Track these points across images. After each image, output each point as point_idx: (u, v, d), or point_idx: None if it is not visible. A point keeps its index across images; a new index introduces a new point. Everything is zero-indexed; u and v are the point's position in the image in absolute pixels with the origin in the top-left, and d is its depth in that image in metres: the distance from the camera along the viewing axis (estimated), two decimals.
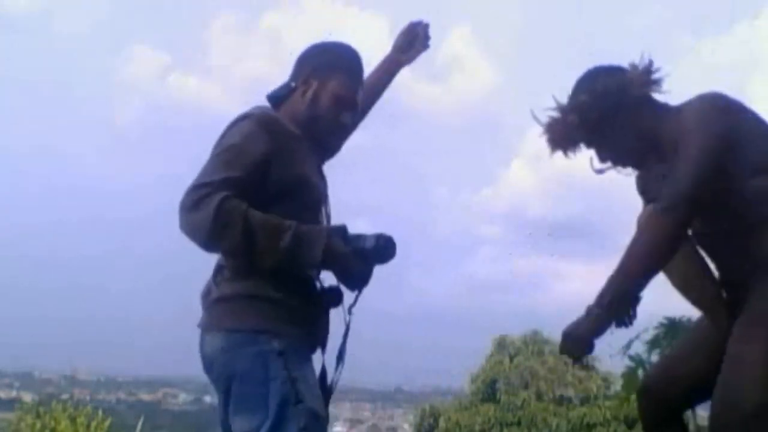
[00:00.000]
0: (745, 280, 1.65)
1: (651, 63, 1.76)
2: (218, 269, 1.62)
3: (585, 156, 1.85)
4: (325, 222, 1.71)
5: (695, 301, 1.80)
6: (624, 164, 1.82)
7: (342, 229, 1.57)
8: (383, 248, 1.56)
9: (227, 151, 1.55)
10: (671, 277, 1.79)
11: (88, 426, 12.50)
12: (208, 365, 1.58)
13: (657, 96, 1.78)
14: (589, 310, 1.63)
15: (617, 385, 14.18)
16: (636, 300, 1.70)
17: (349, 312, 1.63)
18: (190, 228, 1.47)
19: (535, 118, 1.84)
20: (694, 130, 1.63)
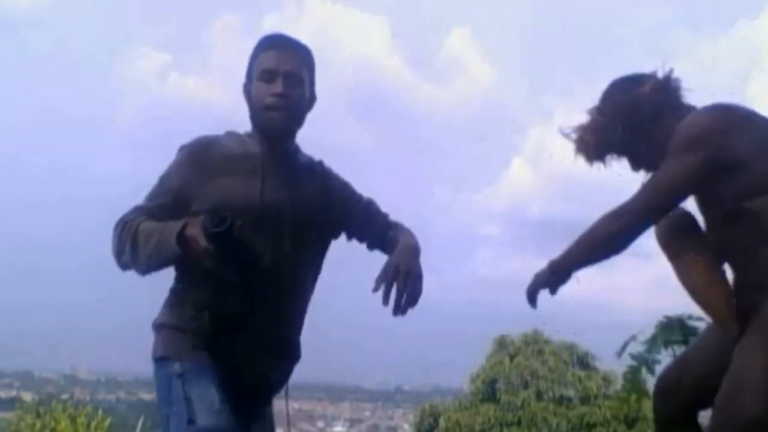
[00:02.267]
0: (751, 296, 1.64)
1: (671, 71, 1.79)
2: None
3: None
4: (287, 240, 1.66)
5: (707, 309, 1.78)
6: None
7: (207, 217, 1.46)
8: (215, 225, 1.44)
9: (155, 185, 1.70)
10: (688, 282, 1.77)
11: (88, 426, 12.50)
12: None
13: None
14: (542, 271, 1.82)
15: (617, 385, 14.16)
16: (568, 277, 1.82)
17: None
18: (115, 258, 1.62)
19: (564, 134, 1.90)
20: (679, 146, 1.66)
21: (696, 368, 1.82)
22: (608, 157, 1.88)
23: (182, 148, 1.71)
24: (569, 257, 1.79)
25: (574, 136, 1.88)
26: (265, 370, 1.67)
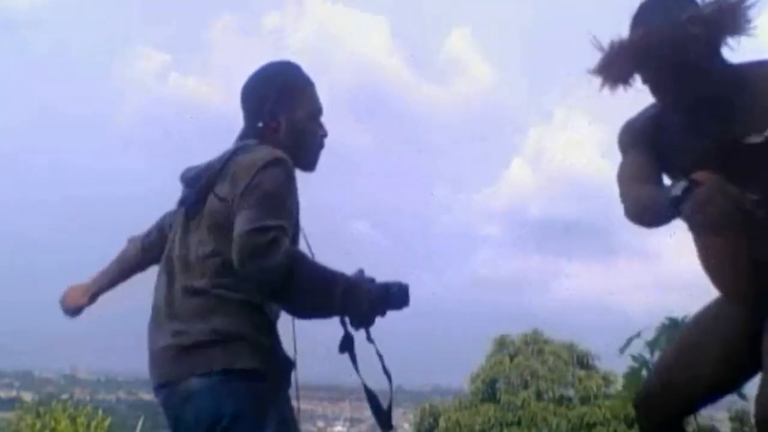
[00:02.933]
0: None
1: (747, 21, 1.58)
2: (190, 293, 1.57)
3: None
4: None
5: (726, 286, 1.65)
6: (665, 102, 1.67)
7: (371, 278, 1.57)
8: (398, 296, 1.57)
9: (269, 198, 1.51)
10: (711, 256, 1.61)
11: (88, 425, 12.51)
12: (182, 400, 1.51)
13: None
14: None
15: (617, 385, 14.19)
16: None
17: (370, 341, 1.62)
18: (264, 271, 1.43)
19: (594, 41, 1.66)
20: None
21: (682, 375, 1.78)
22: (631, 80, 1.65)
23: (279, 163, 1.57)
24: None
25: (607, 54, 1.64)
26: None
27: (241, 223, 1.45)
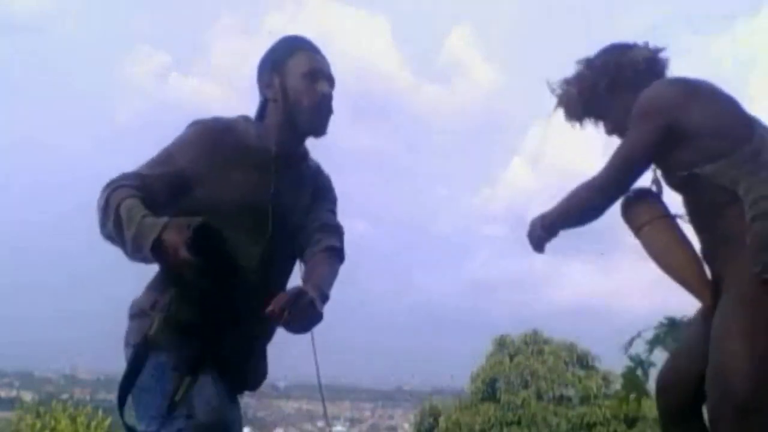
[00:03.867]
0: (720, 260, 1.69)
1: (659, 49, 1.86)
2: None
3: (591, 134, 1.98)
4: (284, 244, 1.66)
5: (676, 278, 1.81)
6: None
7: (191, 222, 1.40)
8: (199, 231, 1.38)
9: (159, 153, 1.59)
10: (654, 252, 1.82)
11: (88, 425, 12.51)
12: None
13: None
14: (534, 224, 1.88)
15: (617, 385, 14.16)
16: (554, 235, 1.89)
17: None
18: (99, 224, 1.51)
19: (551, 88, 1.95)
20: (638, 115, 1.73)
21: (690, 360, 1.82)
22: (586, 118, 1.93)
23: (196, 125, 1.63)
24: (552, 217, 1.86)
25: (558, 89, 1.92)
26: (249, 366, 1.68)
27: None
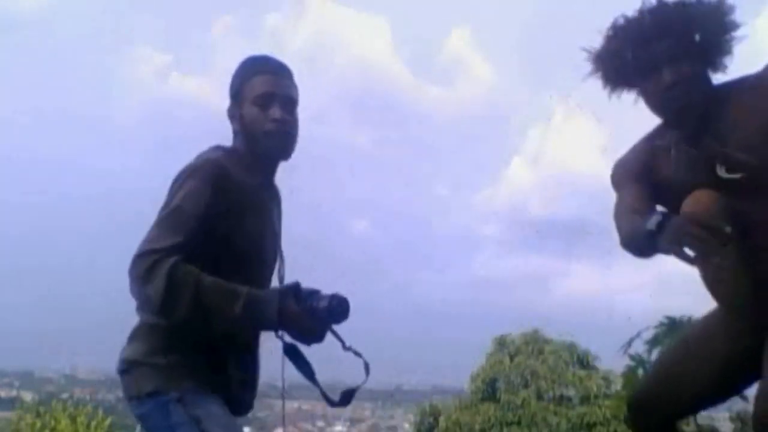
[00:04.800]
0: None
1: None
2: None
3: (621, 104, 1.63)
4: (276, 281, 1.71)
5: (723, 295, 1.64)
6: (687, 101, 1.56)
7: (294, 288, 1.55)
8: (336, 308, 1.54)
9: (173, 213, 1.52)
10: (707, 272, 1.61)
11: (89, 425, 12.51)
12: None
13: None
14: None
15: (617, 385, 14.16)
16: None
17: (347, 349, 1.63)
18: (144, 300, 1.48)
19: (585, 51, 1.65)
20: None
21: (671, 385, 1.76)
22: (624, 84, 1.62)
23: (195, 173, 1.57)
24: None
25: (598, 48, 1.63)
26: (250, 388, 1.70)
27: (137, 249, 1.48)
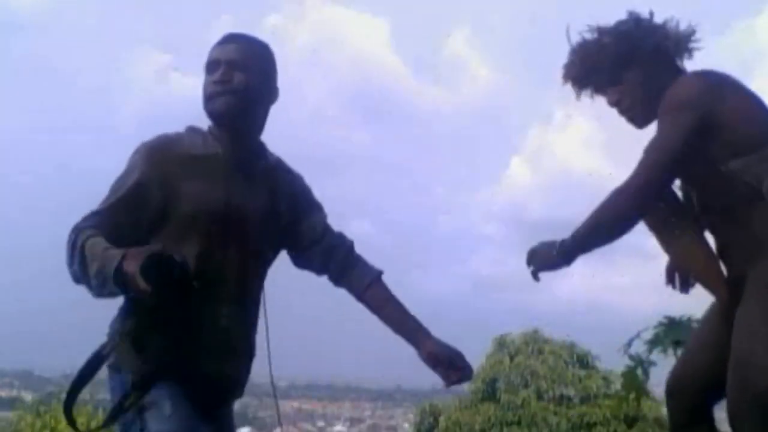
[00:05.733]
0: (741, 258, 1.67)
1: (693, 32, 1.79)
2: None
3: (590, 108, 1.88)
4: (249, 249, 1.67)
5: (697, 276, 1.80)
6: (629, 115, 1.82)
7: (149, 250, 1.41)
8: (145, 268, 1.37)
9: (113, 184, 1.62)
10: (677, 255, 1.81)
11: (89, 425, 12.49)
12: None
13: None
14: (554, 247, 1.76)
15: (617, 384, 14.14)
16: (572, 261, 1.79)
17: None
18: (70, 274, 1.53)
19: (569, 39, 1.87)
20: (671, 108, 1.67)
21: (701, 362, 1.82)
22: (590, 88, 1.84)
23: (141, 147, 1.64)
24: (581, 235, 1.73)
25: (574, 52, 1.85)
26: (228, 370, 1.67)
27: None
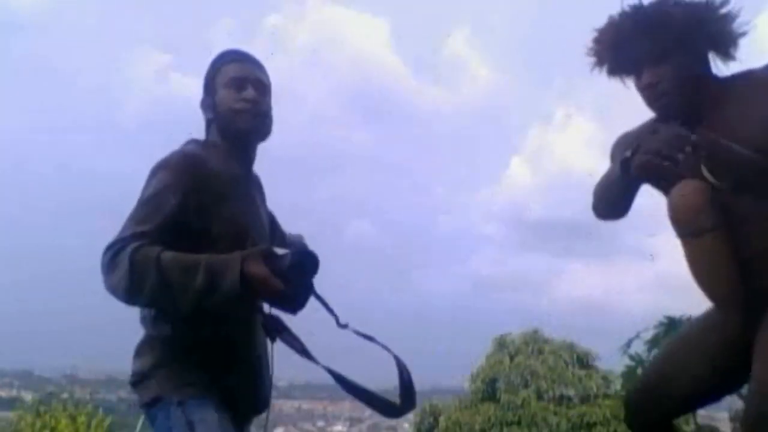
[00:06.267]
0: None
1: (746, 31, 1.62)
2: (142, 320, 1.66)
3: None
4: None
5: (702, 282, 1.58)
6: (663, 102, 1.62)
7: (264, 251, 1.47)
8: (299, 264, 1.47)
9: (143, 206, 1.54)
10: (699, 264, 1.55)
11: (89, 425, 12.51)
12: None
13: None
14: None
15: (617, 384, 14.16)
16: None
17: (341, 326, 1.62)
18: (112, 290, 1.47)
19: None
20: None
21: (666, 385, 1.76)
22: (627, 62, 1.64)
23: (166, 165, 1.58)
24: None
25: (616, 17, 1.65)
26: (258, 381, 1.71)
27: None
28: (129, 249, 1.43)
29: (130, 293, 1.44)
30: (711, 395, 1.79)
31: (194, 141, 1.72)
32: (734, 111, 1.57)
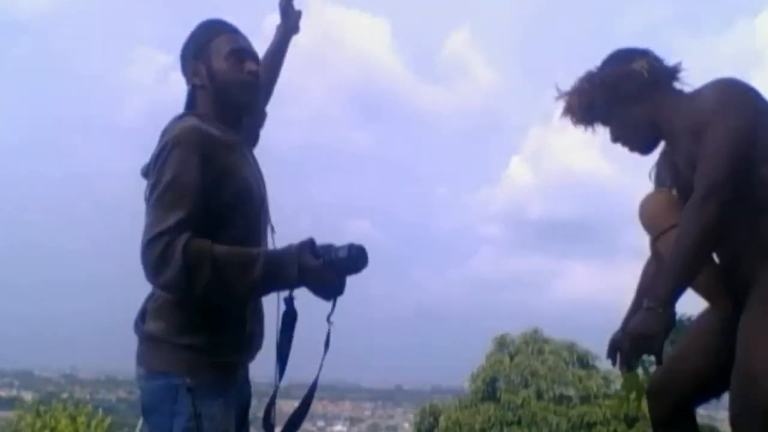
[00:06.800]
0: (749, 266, 1.65)
1: (660, 59, 1.81)
2: (150, 295, 1.60)
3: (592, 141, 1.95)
4: (268, 229, 1.70)
5: (698, 287, 1.74)
6: (631, 147, 1.86)
7: (310, 244, 1.52)
8: (356, 258, 1.52)
9: (168, 189, 1.48)
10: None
11: (89, 425, 12.53)
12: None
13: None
14: (650, 307, 1.58)
15: (617, 384, 14.17)
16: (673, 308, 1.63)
17: (328, 321, 1.60)
18: (164, 286, 1.46)
19: (558, 94, 1.92)
20: (720, 113, 1.61)
21: (683, 366, 1.83)
22: (592, 124, 1.90)
23: (181, 143, 1.52)
24: (670, 283, 1.59)
25: (563, 98, 1.90)
26: (256, 337, 1.68)
27: (143, 234, 1.46)
28: (179, 244, 1.41)
29: (184, 290, 1.44)
30: (719, 388, 1.80)
31: (188, 114, 1.67)
32: (678, 132, 1.75)
